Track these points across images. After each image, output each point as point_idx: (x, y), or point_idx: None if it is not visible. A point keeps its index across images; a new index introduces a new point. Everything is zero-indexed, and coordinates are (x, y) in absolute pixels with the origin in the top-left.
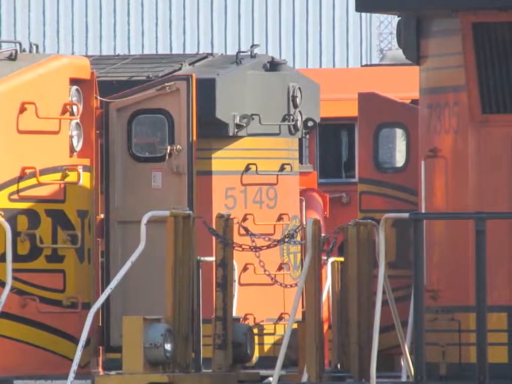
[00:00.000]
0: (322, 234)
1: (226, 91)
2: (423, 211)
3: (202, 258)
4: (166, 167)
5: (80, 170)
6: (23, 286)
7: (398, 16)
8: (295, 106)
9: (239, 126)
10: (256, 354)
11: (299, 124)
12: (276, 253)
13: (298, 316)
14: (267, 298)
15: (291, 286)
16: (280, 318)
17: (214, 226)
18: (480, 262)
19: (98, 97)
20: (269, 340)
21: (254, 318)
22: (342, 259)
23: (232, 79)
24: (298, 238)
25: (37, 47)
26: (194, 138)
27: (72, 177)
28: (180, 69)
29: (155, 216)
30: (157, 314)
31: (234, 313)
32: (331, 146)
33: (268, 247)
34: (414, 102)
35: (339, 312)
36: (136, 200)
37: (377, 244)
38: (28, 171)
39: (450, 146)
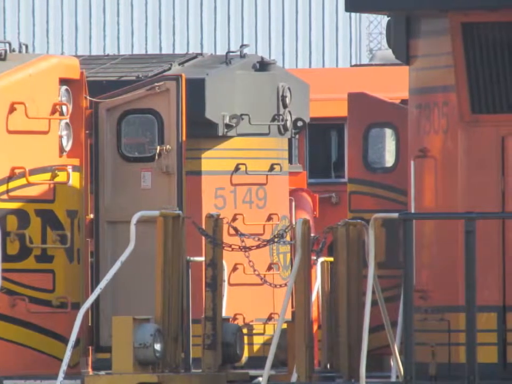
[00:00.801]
0: (312, 234)
1: (216, 91)
2: (412, 211)
3: (191, 258)
4: (155, 167)
5: (70, 170)
6: (13, 286)
7: (388, 16)
8: (285, 106)
9: (228, 126)
10: (245, 354)
11: (289, 123)
12: (265, 253)
13: (288, 316)
14: (257, 298)
15: (280, 286)
16: (270, 318)
17: (203, 226)
18: (470, 262)
19: (88, 97)
20: (258, 340)
21: (244, 318)
22: (331, 259)
23: (221, 79)
24: (288, 238)
25: (27, 47)
26: (184, 138)
27: (61, 177)
28: (170, 69)
29: (145, 216)
30: (146, 314)
31: (224, 313)
32: (321, 146)
33: (258, 247)
34: (404, 102)
35: (329, 312)
36: (126, 200)
37: (366, 244)
38: (17, 171)
39: (439, 146)
